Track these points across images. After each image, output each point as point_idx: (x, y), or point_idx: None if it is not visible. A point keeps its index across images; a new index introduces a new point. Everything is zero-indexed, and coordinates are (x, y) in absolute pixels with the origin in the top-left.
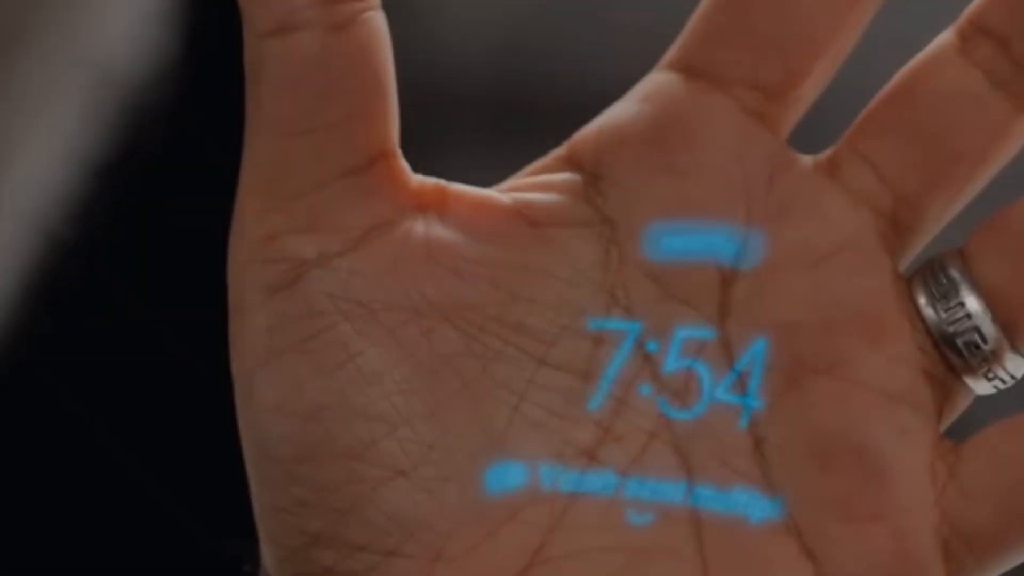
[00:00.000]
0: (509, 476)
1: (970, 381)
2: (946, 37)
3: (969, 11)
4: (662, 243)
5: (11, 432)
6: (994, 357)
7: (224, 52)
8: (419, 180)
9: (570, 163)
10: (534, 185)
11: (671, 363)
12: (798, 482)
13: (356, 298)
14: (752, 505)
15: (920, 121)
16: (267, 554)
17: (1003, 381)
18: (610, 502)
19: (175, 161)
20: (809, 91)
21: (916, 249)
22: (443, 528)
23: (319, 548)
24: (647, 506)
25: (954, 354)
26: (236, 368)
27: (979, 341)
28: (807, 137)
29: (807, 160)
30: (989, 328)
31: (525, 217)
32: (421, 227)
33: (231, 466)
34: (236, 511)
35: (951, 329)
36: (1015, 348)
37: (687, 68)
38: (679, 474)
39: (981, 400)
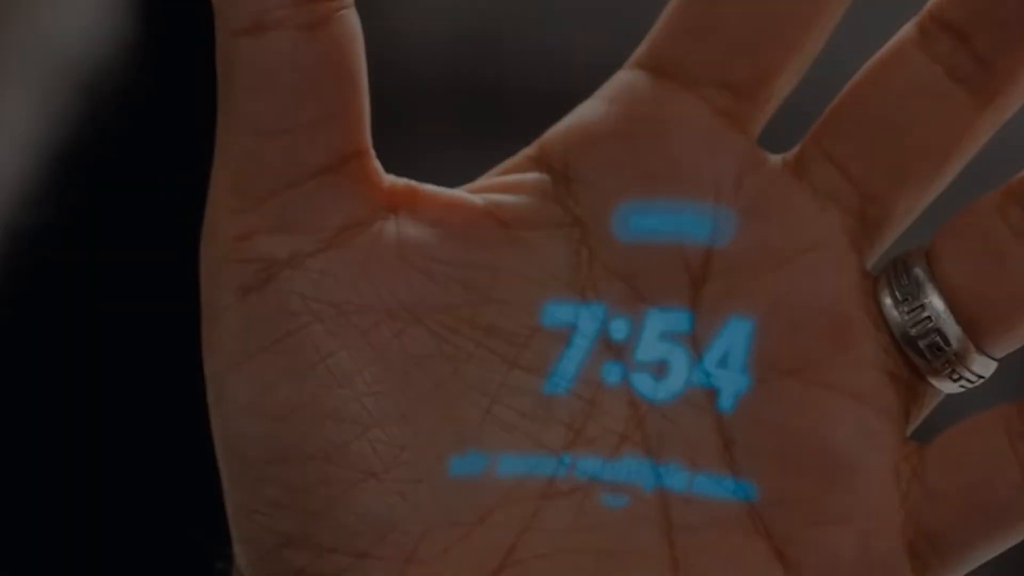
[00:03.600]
0: (474, 463)
1: (935, 382)
2: (907, 32)
3: (930, 5)
4: (632, 223)
5: None
6: (958, 359)
7: (182, 37)
8: (391, 180)
9: (539, 163)
10: (504, 185)
11: (642, 353)
12: (766, 483)
13: (328, 299)
14: (722, 488)
15: (881, 118)
16: (239, 554)
17: (970, 381)
18: (583, 497)
19: (133, 146)
20: (779, 90)
21: (885, 245)
22: (415, 530)
23: (291, 549)
24: (621, 488)
25: (917, 356)
26: (208, 368)
27: (941, 343)
28: (782, 133)
29: (776, 159)
30: (952, 329)
31: (496, 218)
32: (393, 227)
33: (200, 464)
34: (208, 509)
35: (913, 331)
36: (980, 349)
37: (656, 67)
38: (651, 461)
39: (974, 399)
